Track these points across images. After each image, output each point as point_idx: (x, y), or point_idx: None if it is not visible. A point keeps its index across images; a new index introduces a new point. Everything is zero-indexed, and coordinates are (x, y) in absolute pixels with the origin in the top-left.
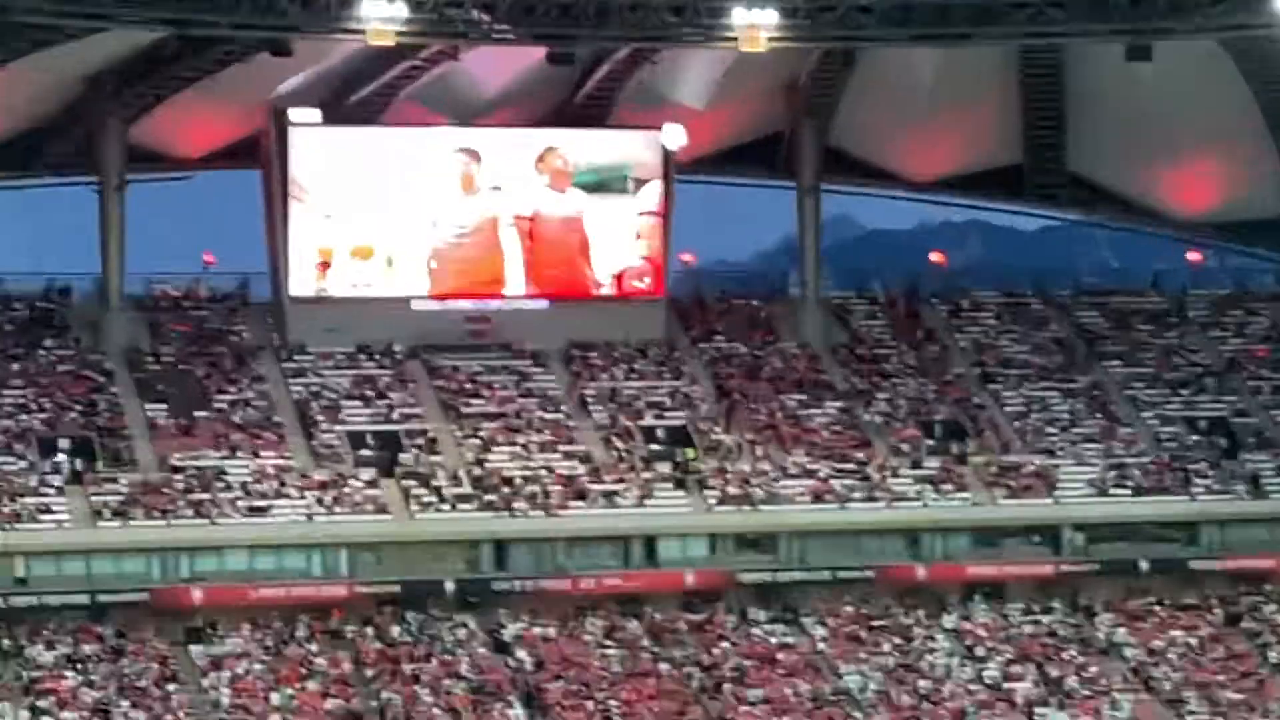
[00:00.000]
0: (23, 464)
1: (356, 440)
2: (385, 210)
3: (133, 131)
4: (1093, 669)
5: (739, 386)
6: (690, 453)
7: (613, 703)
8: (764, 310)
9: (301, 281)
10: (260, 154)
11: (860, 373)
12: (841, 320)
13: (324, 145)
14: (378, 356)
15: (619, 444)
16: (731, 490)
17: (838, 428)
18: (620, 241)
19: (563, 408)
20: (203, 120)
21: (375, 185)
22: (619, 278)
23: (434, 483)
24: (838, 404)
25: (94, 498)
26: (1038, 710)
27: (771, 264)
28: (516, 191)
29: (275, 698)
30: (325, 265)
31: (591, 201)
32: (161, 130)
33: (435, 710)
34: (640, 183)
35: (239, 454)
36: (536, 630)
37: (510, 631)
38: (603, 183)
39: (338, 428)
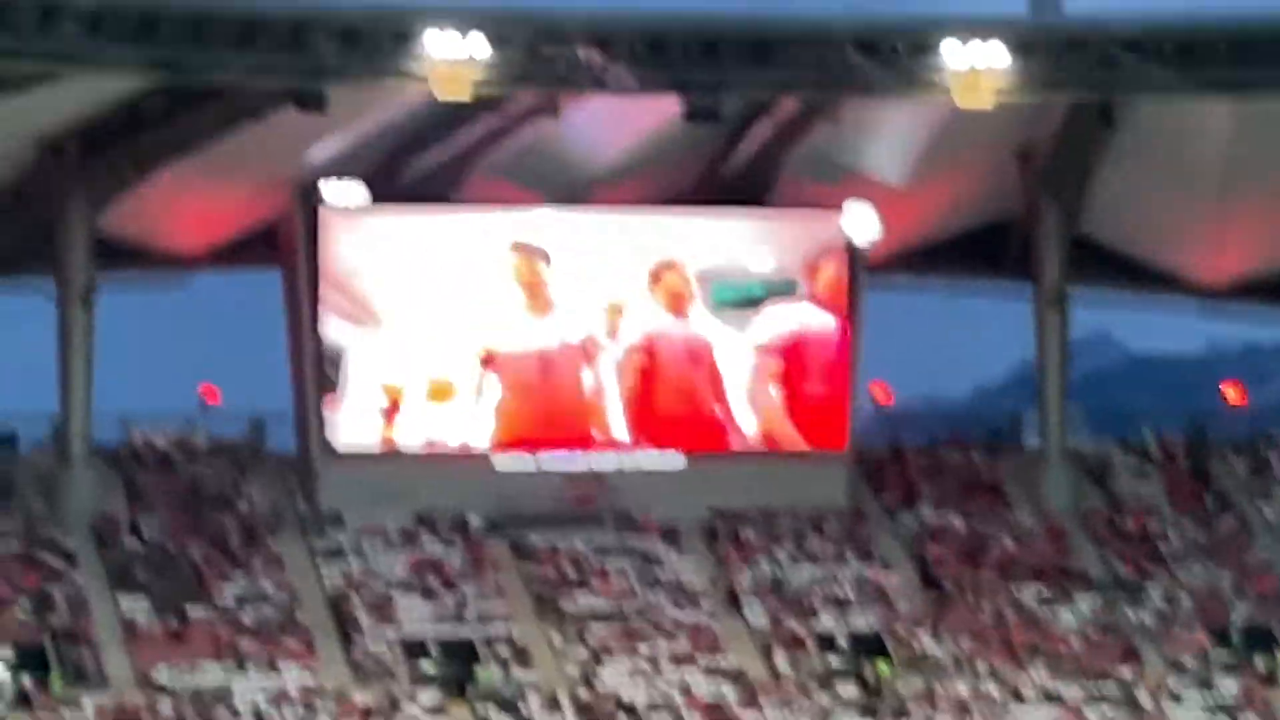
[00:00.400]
0: None
1: (414, 650)
2: (455, 327)
3: (104, 218)
4: None
5: (953, 574)
6: (884, 668)
7: None
8: (988, 467)
9: (347, 427)
10: (281, 248)
11: (1124, 555)
12: (1098, 481)
13: (371, 235)
14: (445, 532)
15: (784, 656)
16: None
17: (1093, 633)
18: (783, 370)
19: (704, 604)
20: (202, 202)
21: (442, 290)
22: (782, 422)
23: (524, 711)
24: (1093, 599)
25: None
26: None
27: (998, 402)
28: (635, 303)
29: None
30: (394, 408)
31: (740, 317)
32: (144, 216)
33: None
34: (812, 287)
35: (249, 668)
36: None
37: None
38: (752, 297)
39: (388, 632)
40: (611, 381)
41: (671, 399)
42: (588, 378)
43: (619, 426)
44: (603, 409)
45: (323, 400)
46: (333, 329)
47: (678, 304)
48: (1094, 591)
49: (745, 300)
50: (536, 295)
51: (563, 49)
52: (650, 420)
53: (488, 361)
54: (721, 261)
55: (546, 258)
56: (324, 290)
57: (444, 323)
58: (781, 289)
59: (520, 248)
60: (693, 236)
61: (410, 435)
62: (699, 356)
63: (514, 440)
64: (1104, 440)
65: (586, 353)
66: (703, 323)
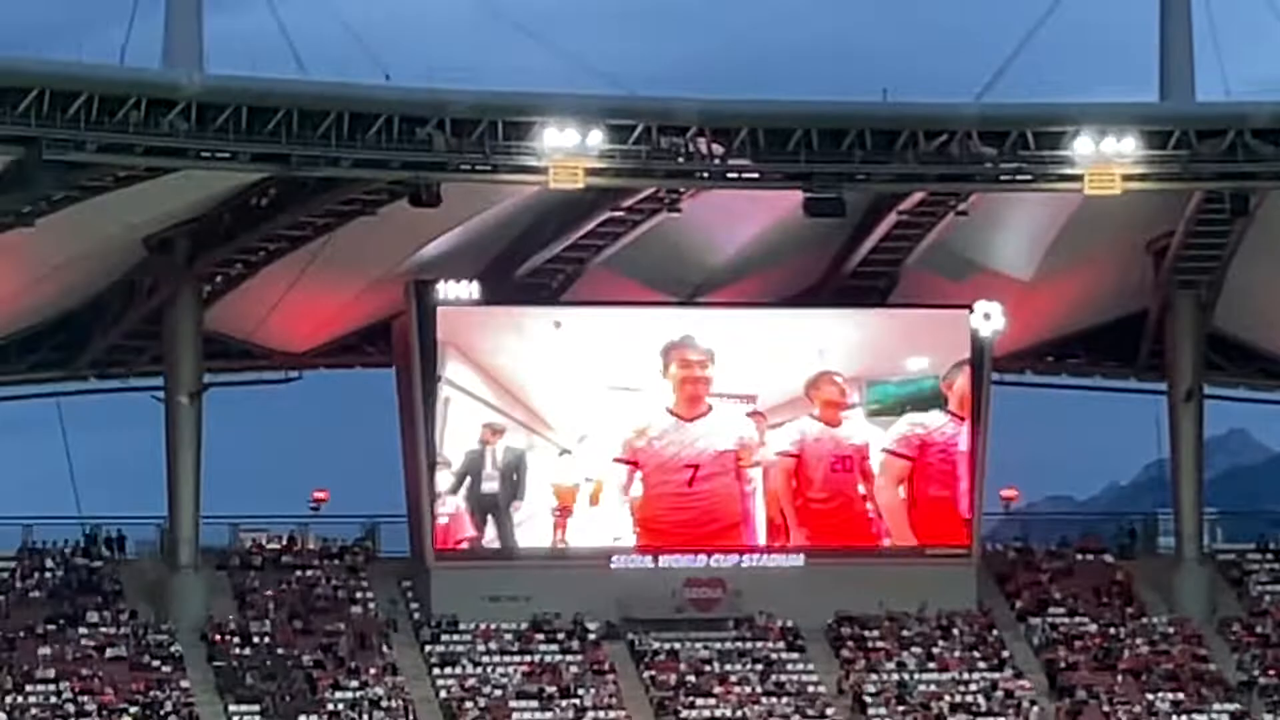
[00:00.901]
0: None
1: None
2: (576, 427)
3: (212, 315)
4: None
5: (1086, 680)
6: None
7: None
8: (1121, 570)
9: (525, 531)
10: (395, 346)
11: (1263, 660)
12: (1235, 584)
13: (485, 332)
14: (562, 637)
15: None
16: None
17: None
18: (910, 470)
19: (829, 711)
20: (311, 299)
21: (559, 390)
22: (907, 523)
23: None
24: (1232, 707)
25: None
26: None
27: (1131, 502)
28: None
29: None
30: (565, 511)
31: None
32: (252, 314)
33: None
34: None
35: None
36: None
37: None
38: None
39: None
40: (759, 486)
41: (818, 503)
42: (734, 483)
43: (762, 530)
44: (749, 513)
45: (433, 500)
46: (446, 425)
47: (832, 413)
48: (1231, 698)
49: (898, 406)
50: (692, 398)
51: (682, 140)
52: (796, 524)
53: (633, 463)
54: (871, 364)
55: (711, 359)
56: (437, 388)
57: (590, 424)
58: (931, 397)
59: (679, 348)
60: (828, 337)
61: (582, 536)
62: (848, 461)
63: (653, 544)
64: (1241, 541)
65: (738, 457)
66: (856, 427)
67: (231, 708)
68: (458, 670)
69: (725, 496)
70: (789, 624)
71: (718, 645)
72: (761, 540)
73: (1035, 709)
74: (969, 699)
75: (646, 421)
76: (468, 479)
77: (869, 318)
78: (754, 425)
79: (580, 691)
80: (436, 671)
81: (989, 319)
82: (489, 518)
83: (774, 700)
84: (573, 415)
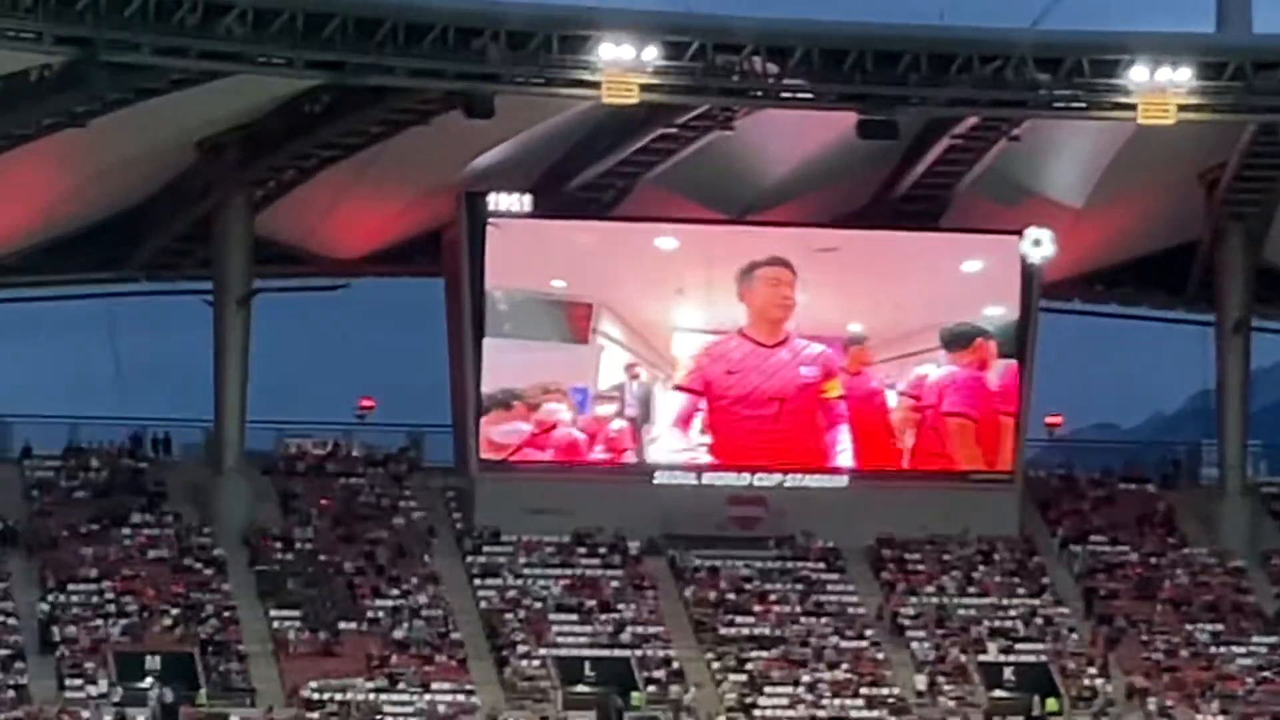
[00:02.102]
0: (93, 690)
1: (570, 670)
2: (642, 329)
3: (263, 221)
4: None
5: (1125, 609)
6: (1053, 704)
7: None
8: (1163, 500)
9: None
10: (444, 256)
11: None
12: (1278, 518)
13: (535, 245)
14: (603, 551)
15: (948, 688)
16: None
17: (1269, 674)
18: (952, 385)
19: (868, 632)
20: (362, 207)
21: (611, 304)
22: (951, 445)
23: None
24: (1269, 639)
25: None
26: None
27: (1176, 432)
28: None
29: None
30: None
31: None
32: (303, 220)
33: None
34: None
35: (401, 685)
36: None
37: None
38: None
39: (542, 651)
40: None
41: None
42: (818, 415)
43: (845, 454)
44: (828, 439)
45: (478, 411)
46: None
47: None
48: (1271, 630)
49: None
50: (775, 322)
51: (738, 58)
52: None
53: (699, 393)
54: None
55: (791, 273)
56: (485, 301)
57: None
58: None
59: (765, 268)
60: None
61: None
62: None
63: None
64: None
65: (820, 389)
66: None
67: (272, 613)
68: (498, 581)
69: (809, 428)
70: (830, 544)
71: (758, 564)
72: (848, 463)
73: (1073, 636)
74: (1008, 624)
75: (697, 324)
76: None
77: (917, 239)
78: (838, 356)
79: (620, 606)
80: (477, 582)
81: (1039, 245)
82: None
83: (813, 620)
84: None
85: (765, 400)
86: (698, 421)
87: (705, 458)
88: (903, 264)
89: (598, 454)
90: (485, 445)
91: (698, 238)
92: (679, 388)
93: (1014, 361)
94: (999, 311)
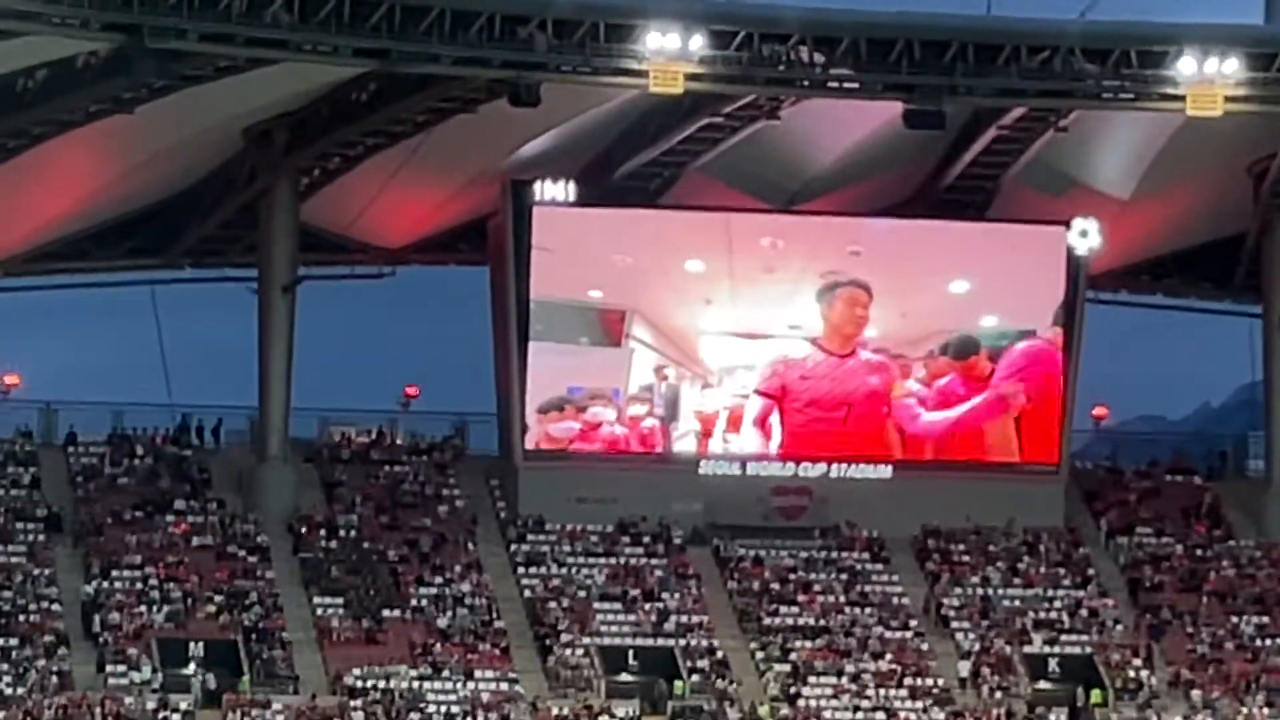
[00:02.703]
0: (136, 677)
1: (613, 659)
2: (671, 334)
3: (308, 208)
4: None
5: (1170, 601)
6: (1097, 695)
7: None
8: (1210, 492)
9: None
10: (490, 244)
11: None
12: None
13: (580, 233)
14: (647, 540)
15: (992, 679)
16: None
17: None
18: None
19: (912, 623)
20: (407, 195)
21: (642, 311)
22: (997, 436)
23: None
24: None
25: None
26: None
27: (1222, 424)
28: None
29: None
30: (706, 435)
31: None
32: (348, 207)
33: None
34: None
35: (444, 673)
36: None
37: None
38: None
39: (586, 640)
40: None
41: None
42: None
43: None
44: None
45: (523, 399)
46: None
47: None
48: None
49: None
50: (848, 337)
51: (785, 48)
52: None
53: (776, 398)
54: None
55: (870, 294)
56: (530, 289)
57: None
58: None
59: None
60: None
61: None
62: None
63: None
64: None
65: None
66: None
67: (315, 600)
68: (542, 570)
69: (877, 429)
70: (874, 534)
71: (802, 554)
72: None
73: (1118, 628)
74: (1052, 616)
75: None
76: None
77: (964, 230)
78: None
79: (664, 595)
80: (521, 570)
81: (1086, 236)
82: None
83: (857, 610)
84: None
85: (836, 404)
86: (775, 422)
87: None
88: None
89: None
90: (543, 438)
91: (723, 258)
92: (758, 392)
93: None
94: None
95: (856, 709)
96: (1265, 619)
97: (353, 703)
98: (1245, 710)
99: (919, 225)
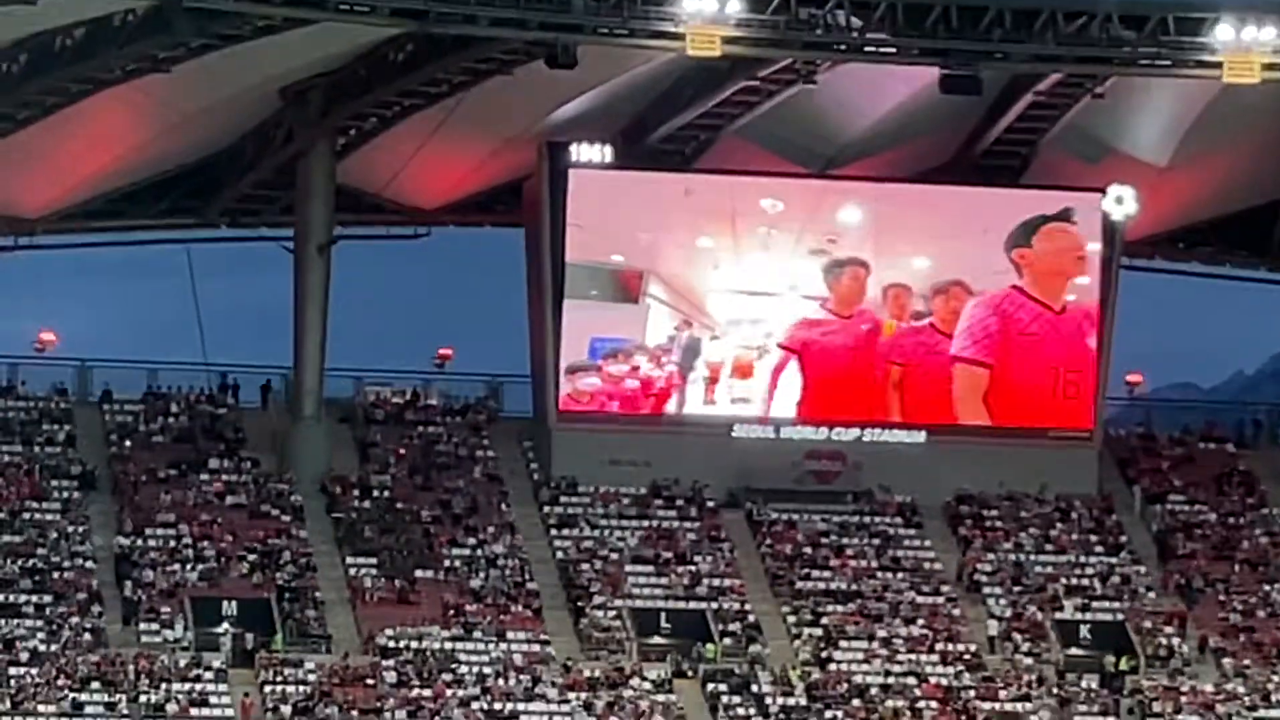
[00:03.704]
0: (170, 635)
1: (645, 622)
2: (706, 296)
3: (344, 168)
4: None
5: (1203, 569)
6: (1128, 662)
7: None
8: (1243, 460)
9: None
10: (525, 206)
11: None
12: None
13: (616, 196)
14: (680, 503)
15: (1024, 645)
16: None
17: None
18: (1033, 349)
19: (944, 588)
20: (444, 156)
21: (689, 257)
22: (1031, 402)
23: (754, 688)
24: None
25: (269, 688)
26: None
27: (1256, 392)
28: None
29: None
30: (713, 381)
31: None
32: (384, 168)
33: None
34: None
35: (476, 634)
36: None
37: None
38: None
39: (618, 602)
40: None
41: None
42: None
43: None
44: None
45: (557, 360)
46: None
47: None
48: None
49: None
50: (852, 303)
51: (822, 11)
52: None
53: (796, 352)
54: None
55: (867, 269)
56: (565, 251)
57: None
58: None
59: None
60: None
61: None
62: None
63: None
64: None
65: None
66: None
67: (349, 560)
68: (575, 532)
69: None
70: (907, 499)
71: (835, 518)
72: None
73: (1150, 595)
74: (1084, 582)
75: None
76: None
77: (1000, 195)
78: (892, 304)
79: (696, 559)
80: (554, 532)
81: (1121, 203)
82: None
83: (889, 575)
84: (693, 282)
85: (844, 352)
86: (794, 371)
87: (790, 410)
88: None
89: (649, 403)
90: (565, 399)
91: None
92: (780, 345)
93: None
94: None
95: (887, 673)
96: None
97: (385, 662)
98: (1277, 678)
99: (952, 191)
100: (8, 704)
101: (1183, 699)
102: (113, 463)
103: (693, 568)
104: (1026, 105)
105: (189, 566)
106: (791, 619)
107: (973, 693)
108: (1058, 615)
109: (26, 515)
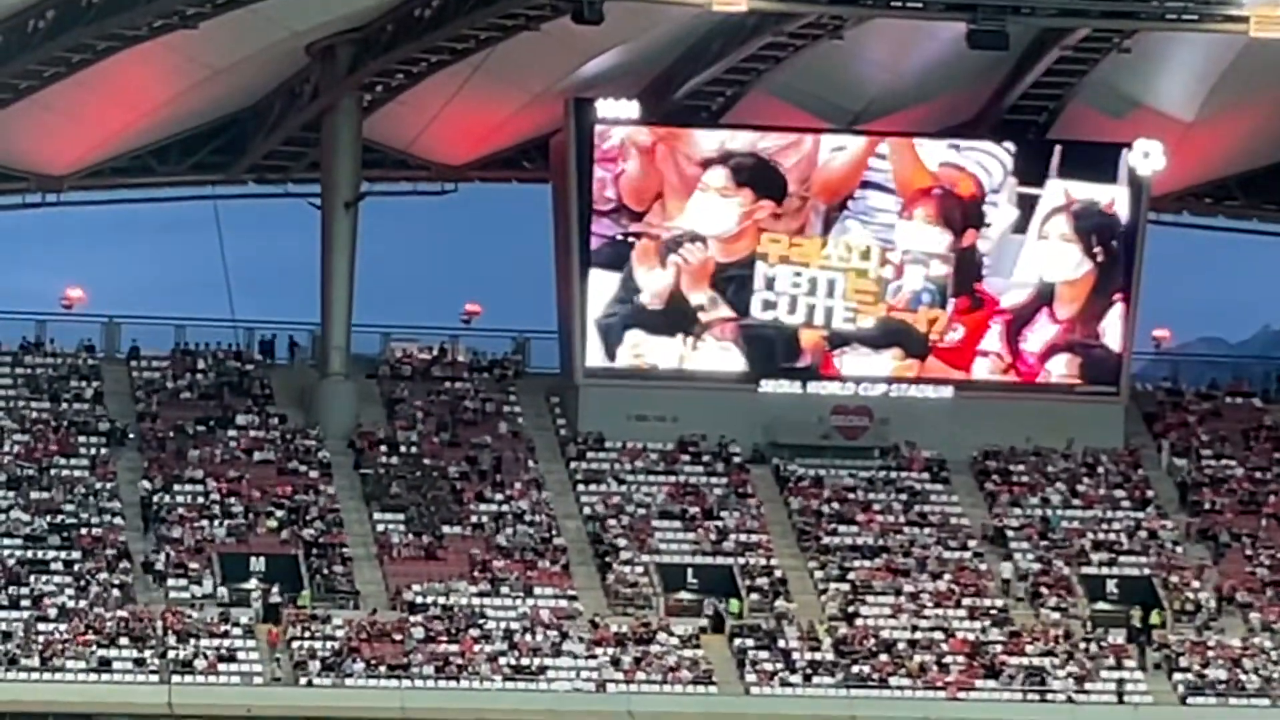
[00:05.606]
0: (197, 590)
1: (672, 577)
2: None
3: (371, 124)
4: None
5: (1230, 523)
6: (1155, 616)
7: None
8: (1270, 414)
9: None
10: (552, 162)
11: None
12: None
13: (643, 151)
14: (707, 459)
15: (1050, 599)
16: (1213, 674)
17: None
18: (1060, 303)
19: (970, 543)
20: (471, 112)
21: (716, 212)
22: (1057, 358)
23: (781, 643)
24: None
25: (297, 644)
26: None
27: None
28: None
29: None
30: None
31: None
32: (411, 124)
33: None
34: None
35: (503, 590)
36: None
37: None
38: None
39: (645, 558)
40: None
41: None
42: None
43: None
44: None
45: (584, 318)
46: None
47: None
48: None
49: None
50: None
51: None
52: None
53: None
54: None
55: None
56: (593, 207)
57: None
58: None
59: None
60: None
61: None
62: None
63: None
64: None
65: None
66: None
67: (376, 515)
68: (602, 488)
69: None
70: (934, 455)
71: (862, 473)
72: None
73: (1177, 549)
74: (1111, 537)
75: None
76: None
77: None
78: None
79: (723, 514)
80: (581, 488)
81: (1148, 157)
82: None
83: (916, 530)
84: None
85: None
86: None
87: None
88: None
89: None
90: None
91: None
92: None
93: None
94: None
95: (914, 628)
96: None
97: (412, 618)
98: None
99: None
100: (36, 660)
101: (1209, 653)
102: (141, 419)
103: (719, 523)
104: (1053, 60)
105: (217, 522)
106: (819, 574)
107: (999, 647)
108: (1084, 570)
109: (54, 471)
